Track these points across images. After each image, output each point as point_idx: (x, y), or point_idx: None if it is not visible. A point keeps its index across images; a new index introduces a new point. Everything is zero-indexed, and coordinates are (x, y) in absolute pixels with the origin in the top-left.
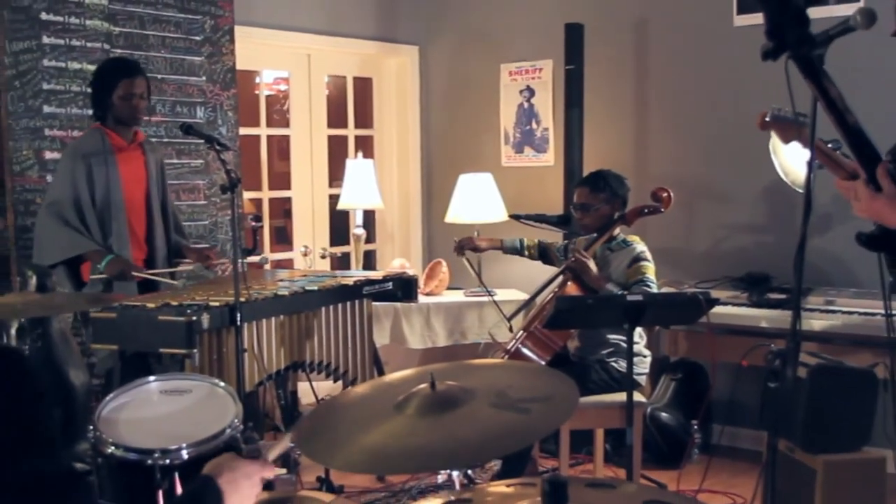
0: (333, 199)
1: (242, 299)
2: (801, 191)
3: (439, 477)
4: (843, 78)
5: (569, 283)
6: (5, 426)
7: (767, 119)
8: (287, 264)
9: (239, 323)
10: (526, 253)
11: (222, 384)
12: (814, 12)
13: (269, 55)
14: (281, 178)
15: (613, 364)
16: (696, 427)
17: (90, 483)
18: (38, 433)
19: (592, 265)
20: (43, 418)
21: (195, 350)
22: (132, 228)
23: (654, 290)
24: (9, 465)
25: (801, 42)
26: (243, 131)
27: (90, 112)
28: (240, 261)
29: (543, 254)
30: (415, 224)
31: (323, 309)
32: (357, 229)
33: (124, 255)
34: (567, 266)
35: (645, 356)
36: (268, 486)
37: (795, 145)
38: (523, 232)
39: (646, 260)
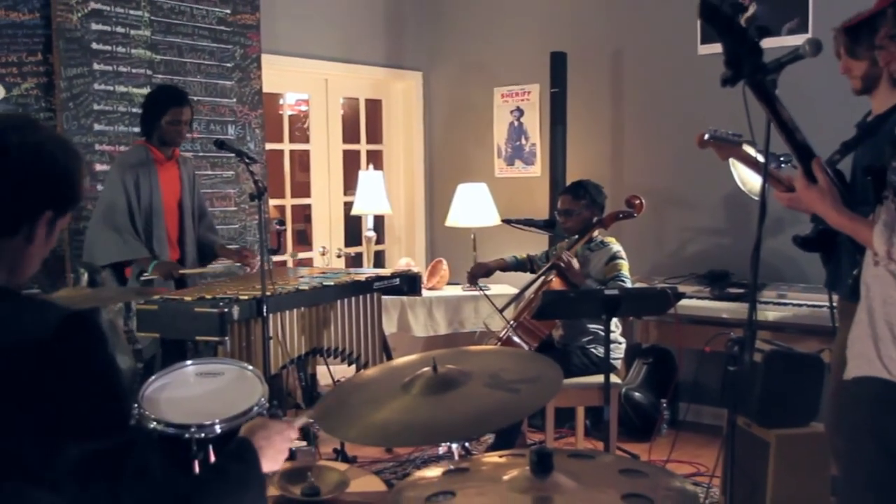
0: (348, 205)
1: (268, 293)
2: (756, 198)
3: (440, 449)
4: (794, 98)
5: (553, 279)
6: (113, 374)
7: (706, 138)
8: (307, 262)
9: (265, 314)
10: (527, 267)
11: (250, 367)
12: (767, 42)
13: (291, 80)
14: (302, 188)
15: (593, 350)
16: (664, 405)
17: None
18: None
19: (576, 264)
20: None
21: (227, 337)
22: (167, 232)
23: (629, 284)
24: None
25: (756, 70)
26: (269, 146)
27: (135, 129)
28: (266, 259)
29: (530, 264)
30: (419, 228)
31: (338, 302)
32: (368, 232)
33: (164, 255)
34: (554, 264)
35: (620, 343)
36: (290, 456)
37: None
38: (514, 234)
39: (621, 258)
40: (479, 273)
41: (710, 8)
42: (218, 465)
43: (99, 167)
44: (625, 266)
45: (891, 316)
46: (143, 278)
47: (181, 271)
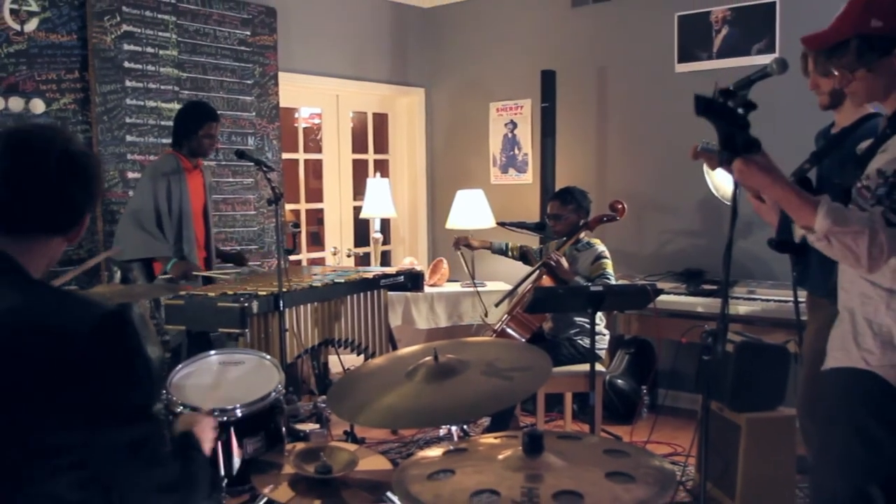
0: (357, 209)
1: (284, 289)
2: (728, 203)
3: (441, 431)
4: (762, 111)
5: (544, 276)
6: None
7: (699, 149)
8: (320, 262)
9: (282, 308)
10: (510, 254)
11: (268, 357)
12: (738, 61)
13: (305, 95)
14: (315, 193)
15: (579, 341)
16: (645, 391)
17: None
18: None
19: (564, 262)
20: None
21: (247, 329)
22: (196, 235)
23: (612, 281)
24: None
25: (749, 146)
26: (285, 156)
27: (163, 140)
28: (282, 258)
29: (524, 256)
30: (421, 230)
31: (348, 297)
32: (375, 234)
33: (193, 255)
34: (545, 262)
35: (604, 335)
36: (305, 437)
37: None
38: (508, 236)
39: (605, 258)
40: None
41: (705, 102)
42: (186, 454)
43: (130, 174)
44: (609, 265)
45: (869, 313)
46: (161, 277)
47: (196, 272)
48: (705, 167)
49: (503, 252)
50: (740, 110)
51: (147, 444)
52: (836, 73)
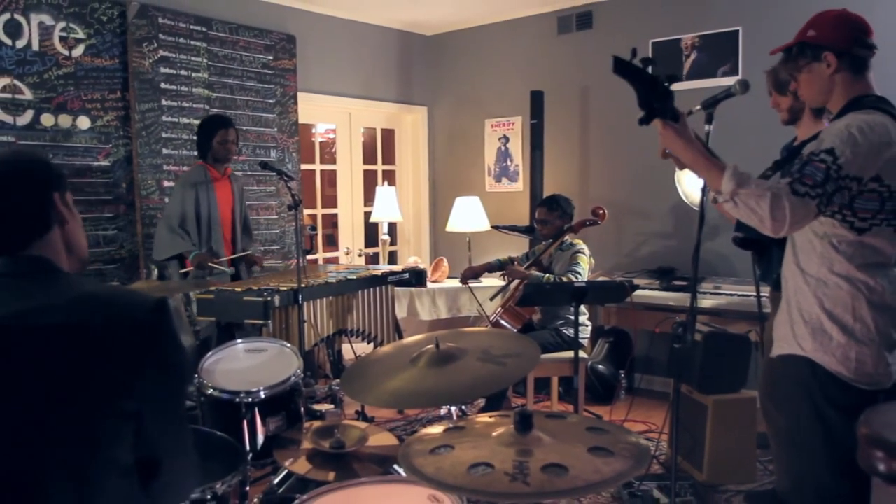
0: (367, 214)
1: (303, 285)
2: (696, 209)
3: (442, 410)
4: (727, 126)
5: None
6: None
7: (666, 151)
8: (334, 260)
9: (300, 302)
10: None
11: (289, 345)
12: (705, 83)
13: (321, 113)
14: (330, 200)
15: (565, 331)
16: (623, 376)
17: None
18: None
19: (515, 266)
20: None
21: (269, 321)
22: (224, 236)
23: (583, 275)
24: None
25: (665, 111)
26: (304, 167)
27: (195, 153)
28: (301, 258)
29: (512, 264)
30: (424, 232)
31: (360, 292)
32: (384, 236)
33: (221, 253)
34: (507, 276)
35: (587, 325)
36: (321, 416)
37: (691, 175)
38: (501, 237)
39: (582, 253)
40: (469, 275)
41: (621, 63)
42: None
43: (166, 183)
44: (583, 259)
45: (801, 302)
46: (182, 272)
47: (210, 262)
48: (676, 175)
49: (500, 267)
50: (665, 83)
51: (183, 405)
52: (791, 77)
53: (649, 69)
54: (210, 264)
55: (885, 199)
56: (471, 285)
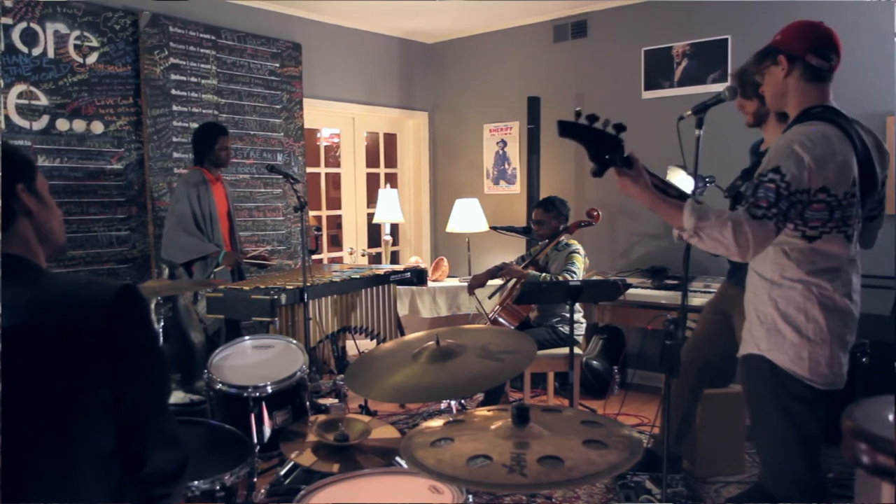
0: (370, 215)
1: (308, 284)
2: None
3: (442, 405)
4: (716, 131)
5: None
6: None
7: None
8: (338, 260)
9: (306, 300)
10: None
11: (294, 341)
12: (696, 89)
13: (326, 118)
14: (334, 202)
15: (560, 328)
16: (616, 371)
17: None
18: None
19: (516, 267)
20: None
21: (276, 318)
22: (223, 234)
23: (578, 274)
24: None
25: (616, 160)
26: (309, 170)
27: None
28: (306, 257)
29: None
30: (425, 233)
31: (363, 290)
32: (386, 236)
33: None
34: (505, 275)
35: (582, 322)
36: (325, 410)
37: (681, 177)
38: (499, 238)
39: (577, 253)
40: (475, 285)
41: (566, 126)
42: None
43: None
44: (578, 259)
45: (757, 303)
46: (216, 270)
47: (243, 258)
48: (667, 178)
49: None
50: (610, 130)
51: (163, 393)
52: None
53: (596, 125)
54: (245, 261)
55: (834, 207)
56: (477, 294)
